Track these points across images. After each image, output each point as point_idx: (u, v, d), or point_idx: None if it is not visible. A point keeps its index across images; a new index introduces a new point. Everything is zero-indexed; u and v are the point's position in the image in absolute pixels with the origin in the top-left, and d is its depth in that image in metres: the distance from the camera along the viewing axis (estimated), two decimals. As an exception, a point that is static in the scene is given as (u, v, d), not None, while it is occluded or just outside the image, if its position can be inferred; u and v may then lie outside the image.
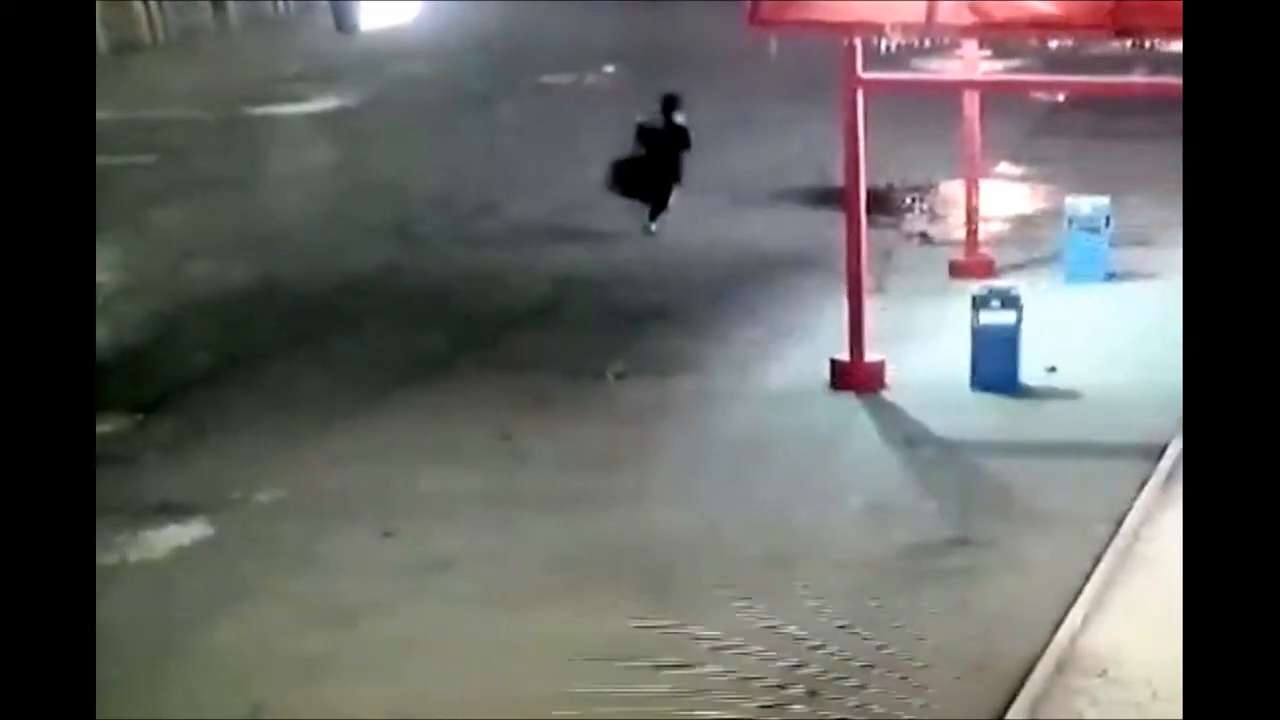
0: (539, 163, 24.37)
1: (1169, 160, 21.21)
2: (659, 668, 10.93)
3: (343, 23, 33.09)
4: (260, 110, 29.80)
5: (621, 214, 20.76)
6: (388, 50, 33.52)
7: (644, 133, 20.15)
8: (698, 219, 20.78)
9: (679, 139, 19.83)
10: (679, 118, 20.05)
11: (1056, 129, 24.09)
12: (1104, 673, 10.53)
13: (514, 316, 18.04)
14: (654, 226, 20.12)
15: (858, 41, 15.05)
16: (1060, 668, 10.61)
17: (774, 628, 11.34)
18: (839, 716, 10.32)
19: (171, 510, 13.34)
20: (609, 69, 31.60)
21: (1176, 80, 20.57)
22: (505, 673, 10.97)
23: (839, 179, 15.82)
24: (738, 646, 11.13)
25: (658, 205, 19.96)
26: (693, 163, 21.66)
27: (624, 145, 20.54)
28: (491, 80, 30.21)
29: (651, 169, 19.88)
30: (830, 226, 17.35)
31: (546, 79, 30.45)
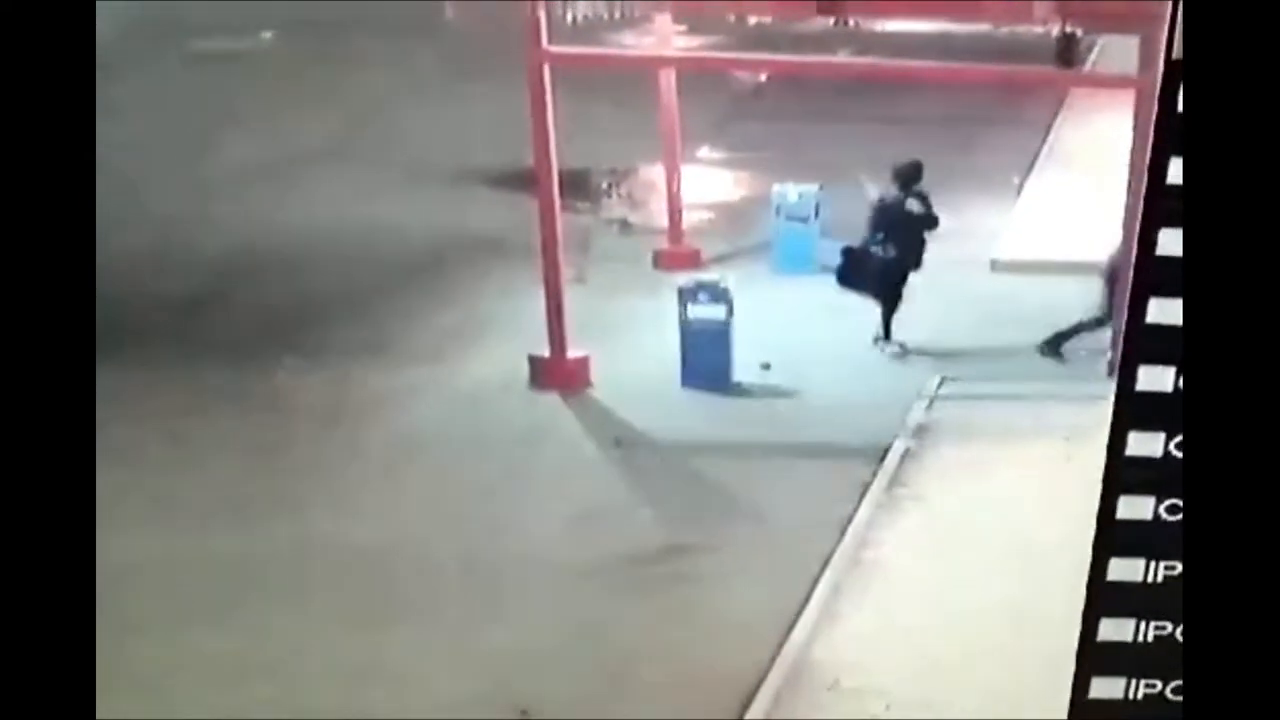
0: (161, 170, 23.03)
1: (875, 145, 22.26)
2: (351, 688, 10.87)
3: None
4: None
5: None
6: None
7: (883, 212, 16.84)
8: (379, 198, 20.63)
9: (924, 217, 17.00)
10: (920, 192, 17.04)
11: (757, 111, 24.57)
12: (836, 683, 10.79)
13: (176, 303, 17.62)
14: (889, 341, 16.87)
15: (542, 12, 14.99)
16: (790, 680, 10.85)
17: (479, 643, 11.37)
18: (554, 737, 10.45)
19: None
20: (266, 35, 31.13)
21: (883, 62, 21.04)
22: (172, 695, 10.81)
23: (529, 159, 15.83)
24: (440, 663, 11.13)
25: (892, 304, 16.94)
26: (368, 139, 21.50)
27: (286, 130, 19.86)
28: (130, 45, 29.33)
29: (892, 256, 16.81)
30: (522, 210, 17.41)
31: (199, 44, 29.77)
